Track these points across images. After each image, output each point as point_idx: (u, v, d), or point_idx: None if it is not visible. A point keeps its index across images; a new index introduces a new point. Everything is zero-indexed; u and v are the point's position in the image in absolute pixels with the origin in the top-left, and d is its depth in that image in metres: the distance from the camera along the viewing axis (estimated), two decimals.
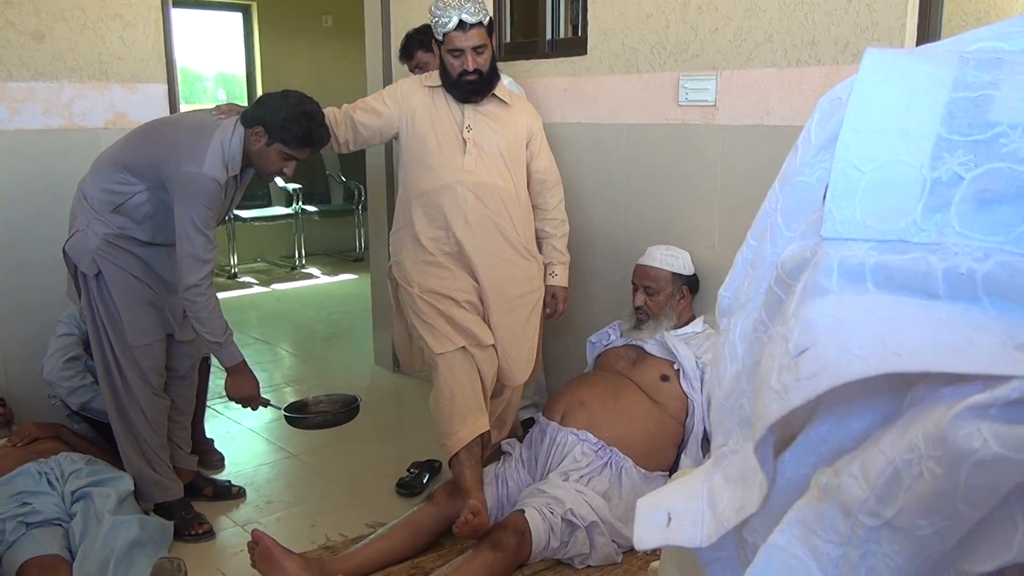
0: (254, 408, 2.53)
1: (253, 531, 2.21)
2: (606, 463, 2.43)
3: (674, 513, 0.79)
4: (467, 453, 2.42)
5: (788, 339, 0.61)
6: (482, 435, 2.47)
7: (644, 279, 2.69)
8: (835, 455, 0.61)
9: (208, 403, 3.17)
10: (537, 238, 2.70)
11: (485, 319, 2.54)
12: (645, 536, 0.79)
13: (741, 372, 0.74)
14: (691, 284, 2.72)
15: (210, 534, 2.58)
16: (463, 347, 2.46)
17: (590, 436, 2.45)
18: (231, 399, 2.49)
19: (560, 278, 2.70)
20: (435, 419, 2.48)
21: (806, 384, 0.57)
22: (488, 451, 2.64)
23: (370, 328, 4.35)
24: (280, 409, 2.60)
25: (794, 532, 0.61)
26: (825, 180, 0.64)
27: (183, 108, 3.28)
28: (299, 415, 2.59)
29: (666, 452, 2.54)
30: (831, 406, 0.60)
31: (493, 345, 2.52)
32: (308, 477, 3.06)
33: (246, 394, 2.46)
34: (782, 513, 0.64)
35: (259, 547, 2.17)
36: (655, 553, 2.27)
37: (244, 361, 2.46)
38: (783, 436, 0.64)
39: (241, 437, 3.41)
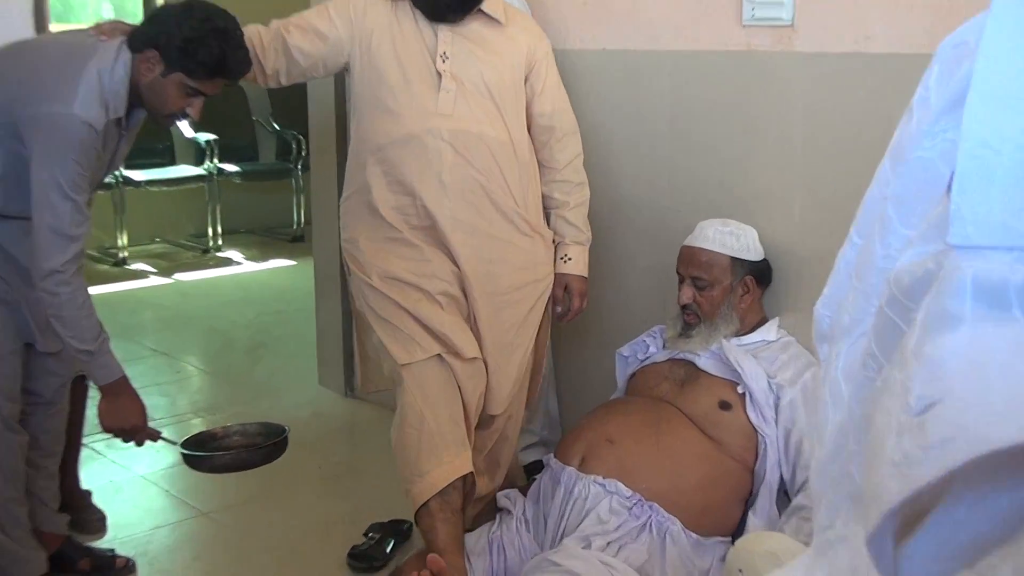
0: (139, 443, 2.57)
1: None
2: (644, 525, 2.47)
3: None
4: (440, 503, 2.46)
5: (909, 389, 0.61)
6: (464, 480, 2.52)
7: (693, 267, 2.72)
8: (977, 549, 0.62)
9: (85, 441, 3.21)
10: (544, 208, 2.73)
11: (469, 320, 2.58)
12: None
13: (847, 425, 0.74)
14: (759, 273, 2.76)
15: None
16: (437, 355, 2.49)
17: (621, 487, 2.49)
18: (107, 430, 2.54)
19: (576, 264, 2.74)
20: (398, 454, 2.52)
21: (936, 455, 0.57)
22: (476, 507, 2.71)
23: (313, 334, 4.40)
24: (176, 444, 2.66)
25: None
26: (951, 157, 0.64)
27: (53, 28, 3.30)
28: (202, 452, 2.66)
29: (727, 509, 2.59)
30: (970, 480, 0.60)
31: (480, 357, 2.57)
32: (224, 545, 3.11)
33: (126, 423, 2.50)
34: None
35: None
36: None
37: (125, 378, 2.49)
38: (907, 517, 0.64)
39: (130, 488, 3.47)
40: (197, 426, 3.89)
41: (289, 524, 3.21)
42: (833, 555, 0.75)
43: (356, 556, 2.93)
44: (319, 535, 3.14)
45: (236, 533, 3.18)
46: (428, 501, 2.47)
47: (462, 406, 2.54)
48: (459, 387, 2.53)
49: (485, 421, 2.69)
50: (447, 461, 2.47)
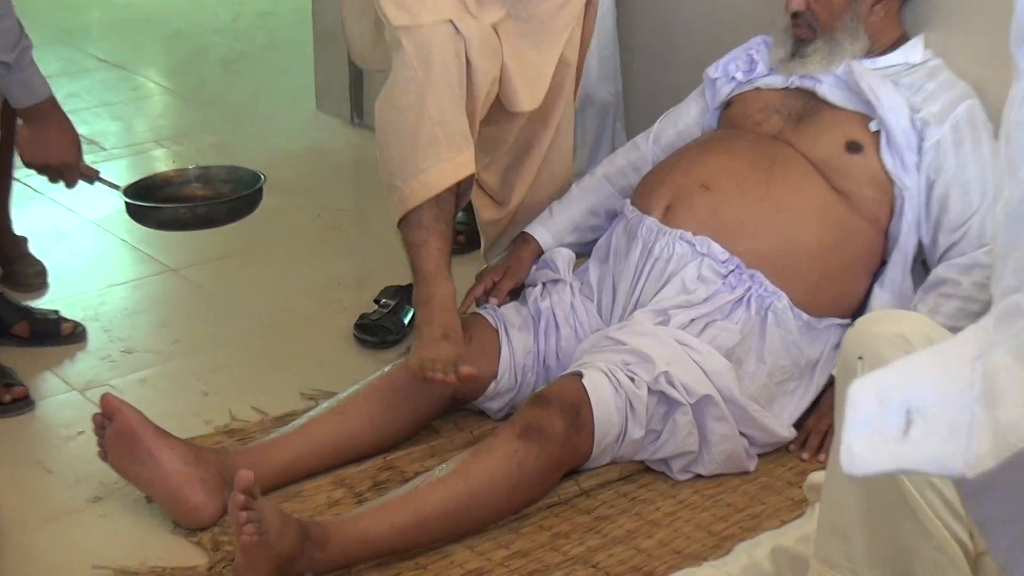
0: (68, 184, 2.62)
1: (102, 398, 2.31)
2: (742, 299, 2.48)
3: (918, 410, 0.85)
4: (436, 211, 2.51)
5: None
6: (459, 186, 2.55)
7: None
8: None
9: (18, 176, 3.25)
10: None
11: None
12: (863, 450, 0.86)
13: None
14: None
15: (25, 403, 2.67)
16: (449, 21, 2.47)
17: (715, 247, 2.49)
18: (28, 165, 2.58)
19: None
20: (384, 143, 2.55)
21: None
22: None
23: (309, 42, 4.36)
24: (118, 189, 2.69)
25: None
26: None
27: None
28: (151, 204, 2.69)
29: (850, 281, 2.59)
30: None
31: (497, 27, 2.57)
32: (197, 309, 3.17)
33: (53, 158, 2.52)
34: None
35: (113, 425, 2.27)
36: (818, 458, 2.44)
37: (53, 100, 2.52)
38: None
39: (78, 236, 3.49)
40: (159, 160, 3.91)
41: (280, 286, 3.24)
42: (1022, 328, 0.78)
43: (365, 328, 2.97)
44: (318, 301, 3.16)
45: (212, 296, 3.22)
46: (421, 207, 2.49)
47: (471, 93, 2.53)
48: (469, 66, 2.51)
49: (504, 118, 2.69)
50: (447, 158, 2.48)
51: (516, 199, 2.85)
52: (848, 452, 0.87)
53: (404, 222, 2.52)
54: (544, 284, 2.67)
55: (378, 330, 2.96)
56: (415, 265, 2.52)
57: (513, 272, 2.73)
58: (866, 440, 0.86)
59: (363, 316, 3.00)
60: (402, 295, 3.02)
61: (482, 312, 2.63)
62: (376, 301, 3.04)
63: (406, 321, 2.98)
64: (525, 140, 2.78)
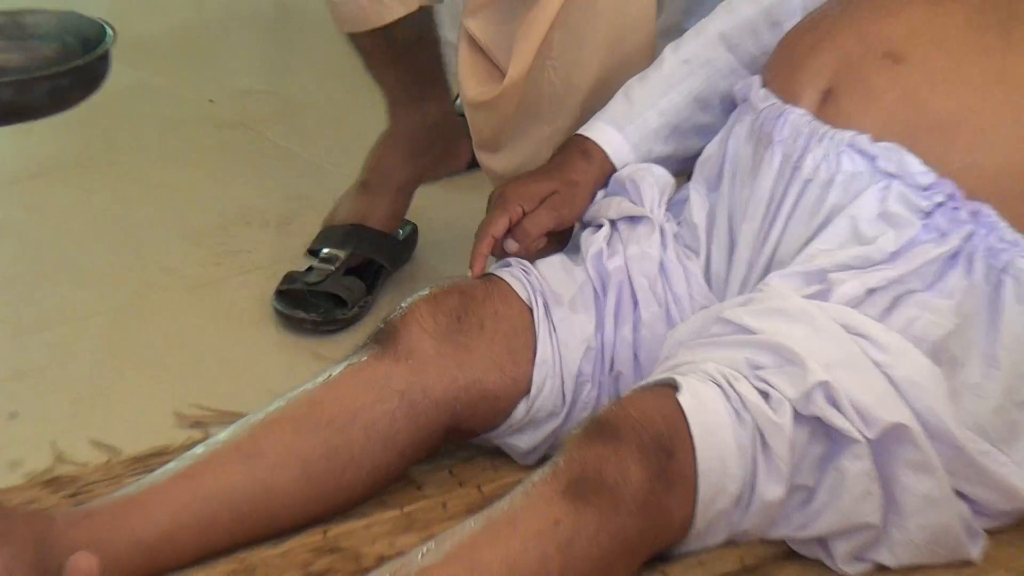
0: None
1: None
2: (959, 251, 2.20)
3: None
4: (384, 50, 2.74)
5: None
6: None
7: None
8: None
9: None
10: None
11: None
12: None
13: None
14: None
15: None
16: None
17: (911, 161, 2.21)
18: None
19: None
20: None
21: None
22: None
23: None
24: None
25: None
26: None
27: None
28: None
29: None
30: None
31: None
32: (17, 259, 3.03)
33: None
34: None
35: None
36: None
37: None
38: None
39: None
40: None
41: (143, 226, 3.11)
42: None
43: (293, 297, 2.79)
44: (209, 251, 3.03)
45: (25, 243, 3.08)
46: (362, 38, 2.68)
47: None
48: None
49: None
50: None
51: (524, 60, 2.59)
52: None
53: (353, 43, 2.74)
54: (614, 225, 2.39)
55: (317, 301, 2.77)
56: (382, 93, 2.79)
57: (559, 202, 2.45)
58: None
59: (289, 277, 2.80)
60: (357, 239, 2.87)
61: (502, 274, 2.35)
62: (312, 252, 2.88)
63: (366, 288, 2.83)
64: None
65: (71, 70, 2.46)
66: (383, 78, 2.90)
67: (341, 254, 2.83)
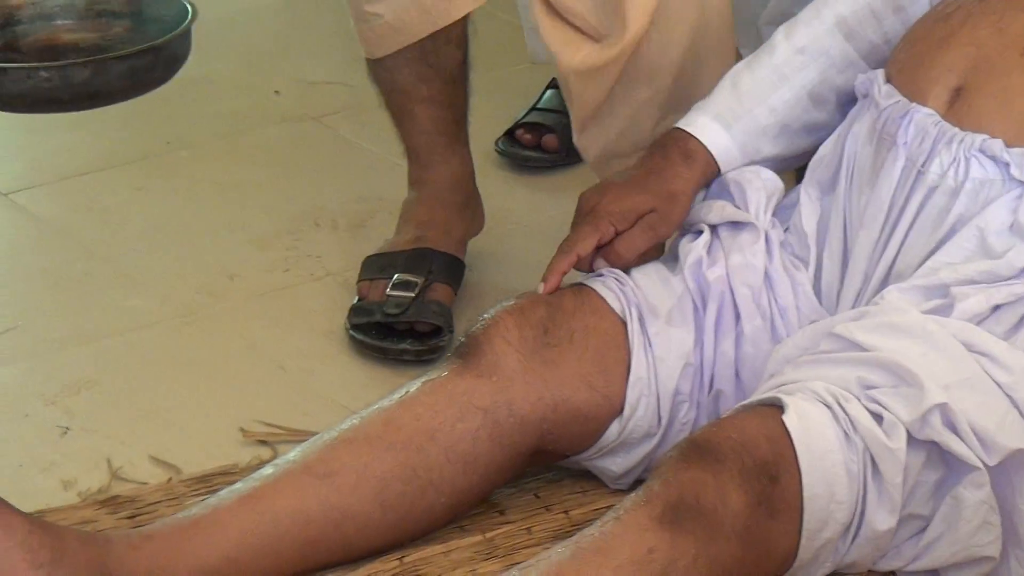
0: None
1: None
2: None
3: None
4: (415, 70, 2.71)
5: None
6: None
7: None
8: None
9: None
10: None
11: None
12: None
13: None
14: None
15: None
16: None
17: None
18: None
19: None
20: None
21: None
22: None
23: None
24: None
25: None
26: None
27: None
28: None
29: None
30: None
31: None
32: (43, 265, 3.03)
33: None
34: None
35: None
36: None
37: None
38: None
39: None
40: None
41: (205, 229, 3.09)
42: None
43: (371, 323, 2.75)
44: (274, 257, 3.01)
45: (73, 242, 3.07)
46: (393, 60, 2.66)
47: None
48: None
49: None
50: None
51: (643, 16, 2.64)
52: None
53: (374, 75, 2.74)
54: (715, 231, 2.38)
55: (398, 328, 2.75)
56: (403, 142, 2.76)
57: (655, 221, 2.44)
58: None
59: (361, 310, 2.78)
60: (430, 262, 2.84)
61: (594, 284, 2.35)
62: (368, 281, 2.83)
63: (446, 325, 2.79)
64: None
65: (151, 50, 2.42)
66: (417, 122, 2.78)
67: (417, 279, 2.81)
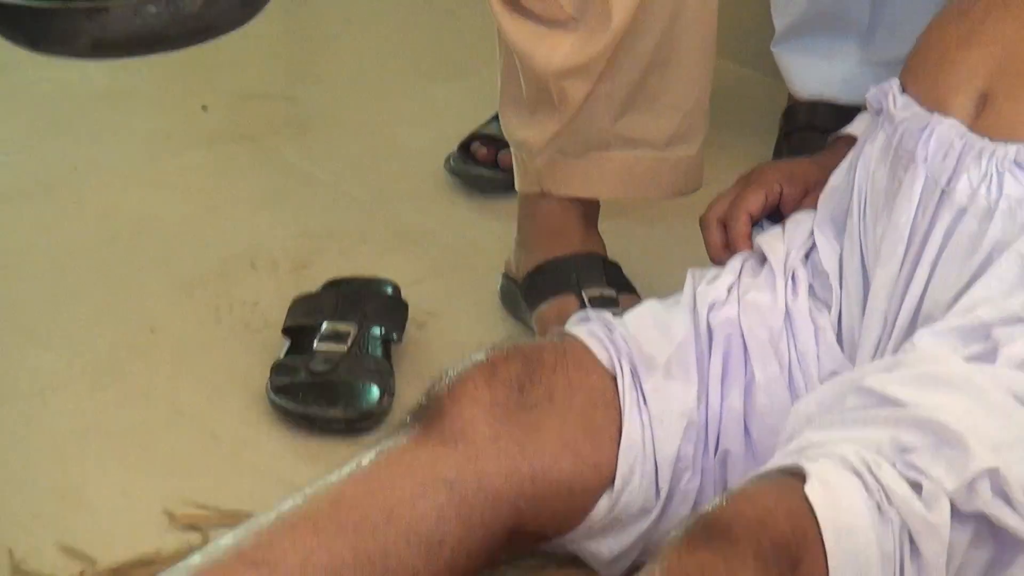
0: None
1: None
2: None
3: None
4: (573, 215, 2.88)
5: None
6: None
7: None
8: None
9: None
10: None
11: None
12: None
13: None
14: None
15: None
16: None
17: None
18: None
19: None
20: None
21: None
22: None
23: None
24: None
25: None
26: None
27: None
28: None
29: None
30: None
31: None
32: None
33: None
34: None
35: None
36: None
37: None
38: None
39: None
40: None
41: (120, 256, 3.11)
42: None
43: (292, 390, 2.72)
44: (201, 293, 3.02)
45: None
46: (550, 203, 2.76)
47: None
48: None
49: None
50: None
51: (625, 9, 2.73)
52: None
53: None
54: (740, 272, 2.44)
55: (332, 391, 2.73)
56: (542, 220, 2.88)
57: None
58: None
59: (281, 368, 2.79)
60: (361, 305, 2.89)
61: (578, 332, 2.34)
62: (290, 331, 2.85)
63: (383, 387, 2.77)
64: None
65: None
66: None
67: (349, 328, 2.81)
